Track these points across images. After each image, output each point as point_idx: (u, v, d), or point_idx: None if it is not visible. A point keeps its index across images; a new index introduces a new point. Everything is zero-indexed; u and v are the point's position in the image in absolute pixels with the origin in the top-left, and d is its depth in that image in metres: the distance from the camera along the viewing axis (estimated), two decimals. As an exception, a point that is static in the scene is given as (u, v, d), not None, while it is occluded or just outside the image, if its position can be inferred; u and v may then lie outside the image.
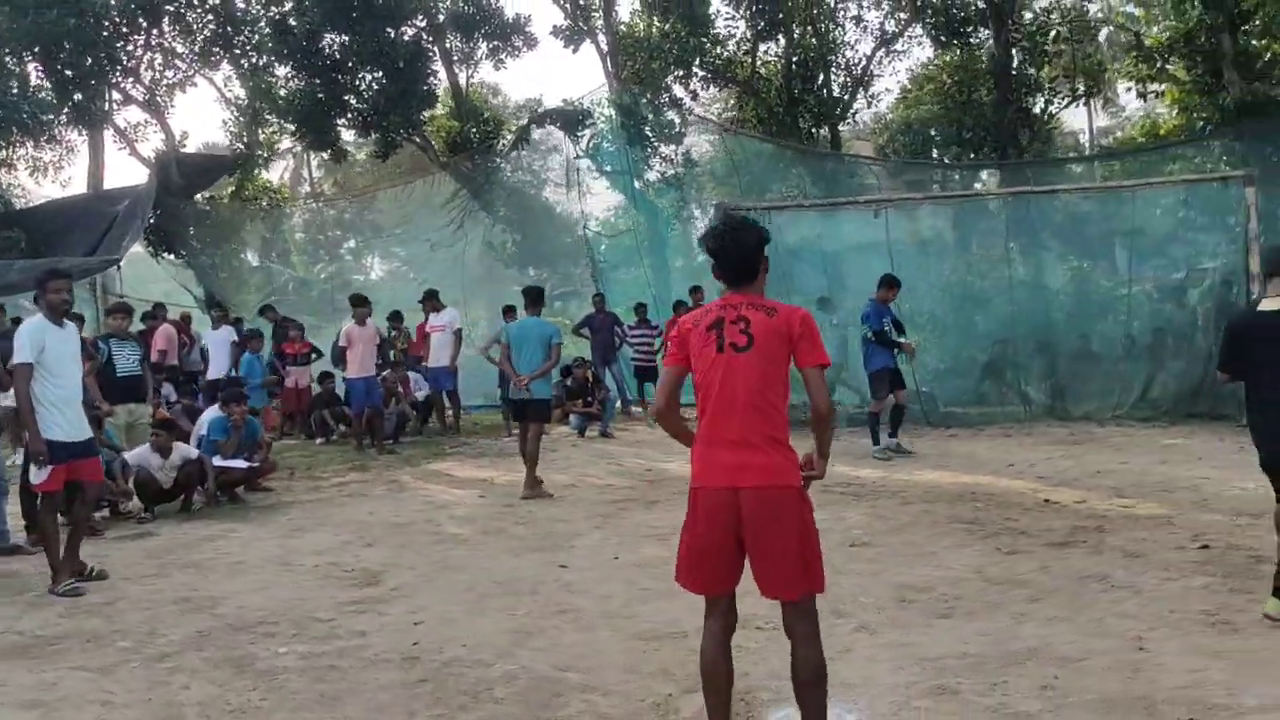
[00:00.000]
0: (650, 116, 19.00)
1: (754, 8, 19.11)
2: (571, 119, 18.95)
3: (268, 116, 20.73)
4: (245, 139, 21.17)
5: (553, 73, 74.91)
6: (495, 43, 20.04)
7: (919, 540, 7.61)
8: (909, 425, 14.79)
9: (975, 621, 5.65)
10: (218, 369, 15.39)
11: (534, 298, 10.77)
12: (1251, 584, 6.09)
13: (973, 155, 18.98)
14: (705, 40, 19.59)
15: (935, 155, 21.71)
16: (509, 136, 20.83)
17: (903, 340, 12.37)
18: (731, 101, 21.80)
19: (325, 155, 23.18)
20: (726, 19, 20.08)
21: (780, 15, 18.98)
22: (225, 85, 21.54)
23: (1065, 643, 5.19)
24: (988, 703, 4.50)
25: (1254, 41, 17.80)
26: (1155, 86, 20.82)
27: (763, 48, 20.37)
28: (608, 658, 5.24)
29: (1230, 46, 16.57)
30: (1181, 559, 6.77)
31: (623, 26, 20.88)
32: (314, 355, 15.94)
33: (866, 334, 12.20)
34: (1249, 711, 4.26)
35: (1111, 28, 21.52)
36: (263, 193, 23.21)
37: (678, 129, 19.14)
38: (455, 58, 20.70)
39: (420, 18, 19.47)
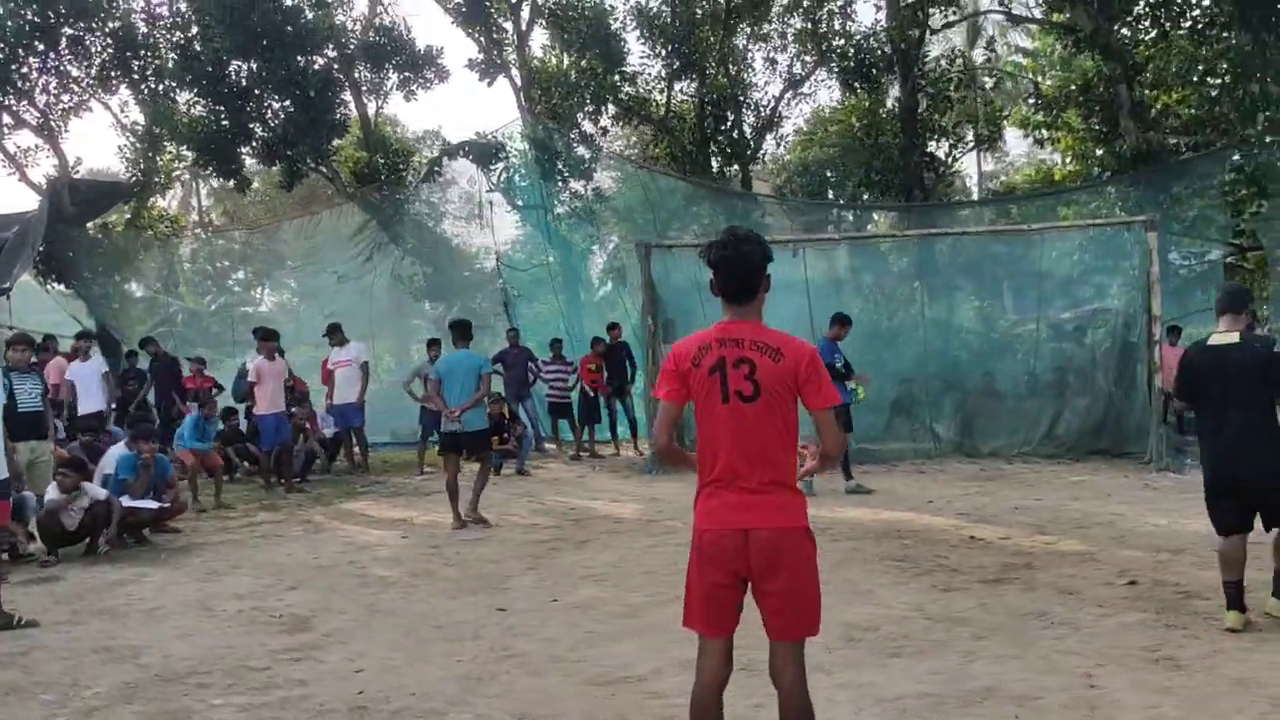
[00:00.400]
0: (563, 151, 18.98)
1: (669, 47, 19.30)
2: (485, 152, 18.82)
3: (167, 143, 20.09)
4: (142, 166, 20.46)
5: (467, 106, 74.93)
6: (406, 74, 19.81)
7: (855, 578, 7.63)
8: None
9: (926, 660, 5.66)
10: (91, 403, 14.41)
11: (462, 331, 10.85)
12: (1185, 619, 6.25)
13: (880, 196, 19.41)
14: (620, 78, 19.70)
15: (831, 196, 22.18)
16: (418, 168, 20.56)
17: (856, 375, 12.36)
18: (646, 139, 21.93)
19: (228, 183, 22.53)
20: (641, 57, 20.31)
21: (695, 56, 19.20)
22: (122, 111, 20.86)
23: (1017, 680, 5.24)
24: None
25: (1148, 92, 18.62)
26: (1050, 134, 21.66)
27: (677, 86, 20.57)
28: (564, 704, 5.10)
29: (1127, 97, 17.32)
30: (1113, 595, 6.92)
31: (536, 61, 20.88)
32: (216, 390, 15.44)
33: (837, 371, 12.12)
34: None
35: (1003, 77, 22.24)
36: (158, 221, 22.47)
37: (589, 164, 19.14)
38: (364, 88, 20.40)
39: (331, 47, 19.14)
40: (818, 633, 3.81)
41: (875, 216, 21.70)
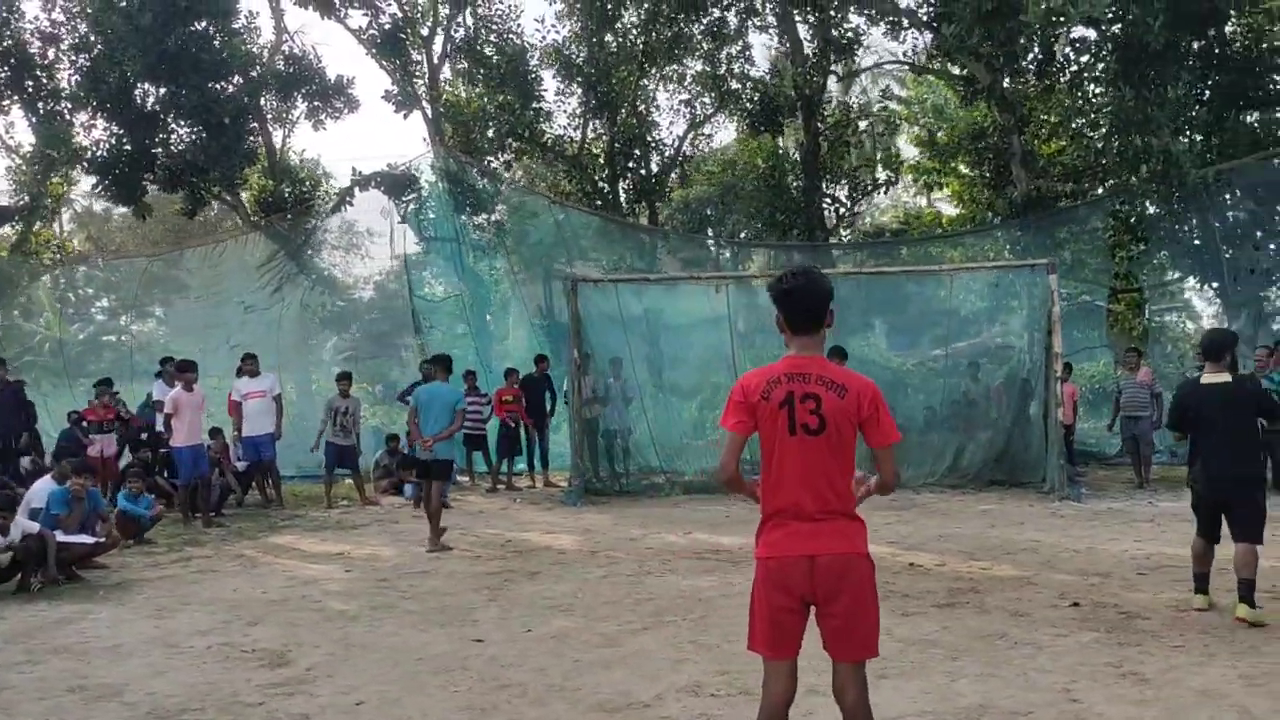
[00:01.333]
0: (476, 185, 19.03)
1: (585, 86, 19.56)
2: (397, 183, 18.72)
3: (61, 167, 19.39)
4: (31, 189, 19.69)
5: (383, 137, 74.17)
6: (315, 103, 19.59)
7: (816, 604, 7.89)
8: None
9: (913, 681, 5.94)
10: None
11: (444, 365, 11.57)
12: (1134, 637, 6.69)
13: (782, 236, 19.98)
14: (536, 115, 19.88)
15: (710, 233, 22.72)
16: (325, 198, 20.30)
17: None
18: (559, 175, 22.12)
19: (115, 208, 21.84)
20: (556, 95, 20.54)
21: (611, 95, 19.51)
22: (7, 132, 20.09)
23: (1004, 697, 5.55)
24: (969, 756, 4.75)
25: (1036, 141, 19.69)
26: (939, 179, 22.69)
27: (592, 125, 20.83)
28: (580, 731, 5.20)
29: (1019, 146, 18.29)
30: (1061, 616, 7.34)
31: (448, 95, 20.88)
32: (118, 422, 14.95)
33: None
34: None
35: (899, 124, 23.23)
36: (45, 246, 21.62)
37: (501, 198, 19.24)
38: (269, 116, 20.07)
39: (243, 74, 18.76)
40: (876, 654, 4.02)
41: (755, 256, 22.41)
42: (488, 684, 6.01)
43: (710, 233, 22.39)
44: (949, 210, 23.68)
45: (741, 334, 16.21)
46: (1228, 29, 18.91)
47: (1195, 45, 17.86)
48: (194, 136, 18.35)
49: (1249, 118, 18.92)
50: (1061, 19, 13.92)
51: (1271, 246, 19.04)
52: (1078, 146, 18.99)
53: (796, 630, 3.89)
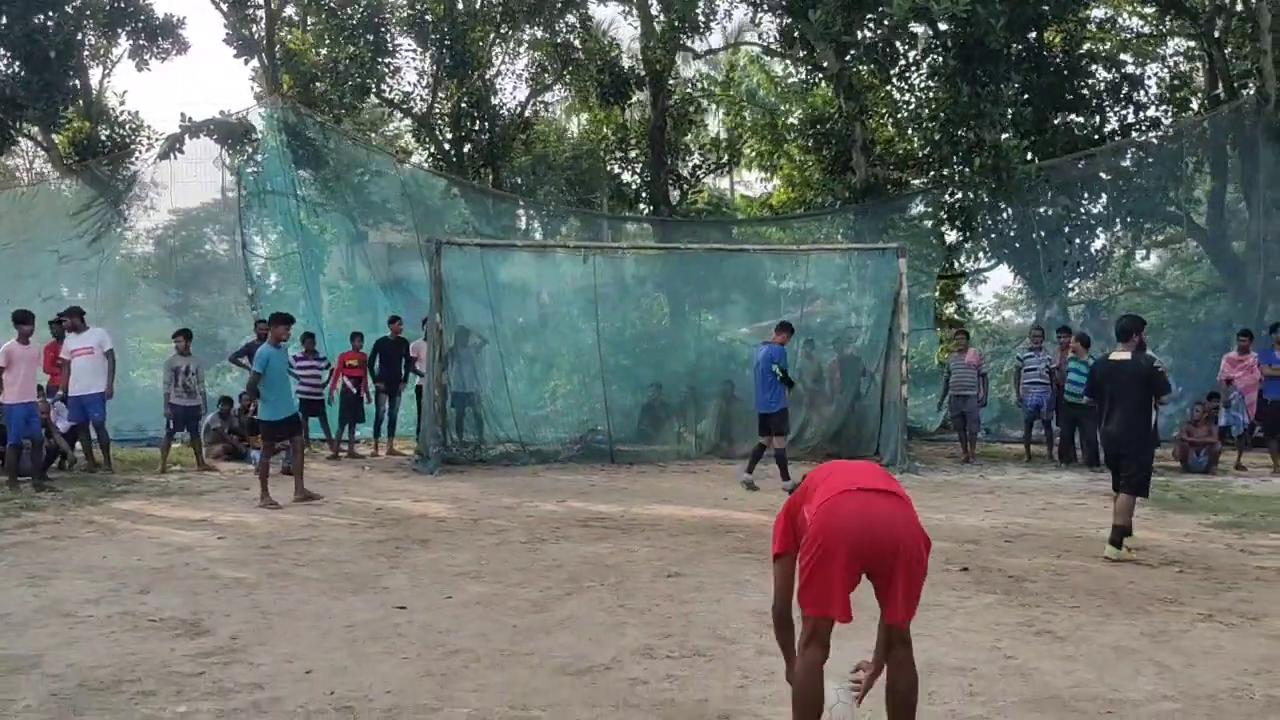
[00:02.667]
0: (315, 139, 18.24)
1: (439, 45, 19.01)
2: (232, 132, 17.71)
3: None
4: None
5: (227, 86, 69.48)
6: (141, 41, 18.27)
7: (725, 570, 8.08)
8: (594, 462, 15.50)
9: (855, 640, 6.15)
10: None
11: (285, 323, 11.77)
12: (1031, 599, 7.17)
13: (629, 209, 20.12)
14: (385, 68, 19.20)
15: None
16: (149, 143, 18.97)
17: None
18: (406, 135, 21.45)
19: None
20: (409, 51, 19.88)
21: (466, 57, 19.03)
22: None
23: (947, 655, 5.84)
24: (942, 710, 5.01)
25: (876, 130, 20.50)
26: (774, 162, 23.33)
27: (445, 85, 20.24)
28: (555, 695, 5.15)
29: (860, 133, 19.01)
30: (957, 581, 7.77)
31: (292, 42, 19.87)
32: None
33: (777, 374, 12.62)
34: (1144, 702, 5.10)
35: (744, 104, 23.70)
36: None
37: (343, 154, 18.52)
38: (87, 53, 18.59)
39: (70, 7, 17.25)
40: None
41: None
42: (435, 650, 5.88)
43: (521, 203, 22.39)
44: (752, 191, 24.28)
45: (606, 303, 16.28)
46: (1047, 35, 20.24)
47: (1020, 48, 19.00)
48: (13, 70, 16.75)
49: (1065, 119, 20.31)
50: (924, 13, 14.54)
51: (1077, 241, 20.59)
52: (915, 137, 19.91)
53: (849, 589, 4.06)
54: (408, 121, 21.10)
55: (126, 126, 18.18)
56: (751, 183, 23.96)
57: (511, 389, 15.91)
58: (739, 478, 13.09)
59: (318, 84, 18.85)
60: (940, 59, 17.53)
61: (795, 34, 19.00)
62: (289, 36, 19.80)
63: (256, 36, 18.96)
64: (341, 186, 18.19)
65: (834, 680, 4.69)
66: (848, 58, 18.03)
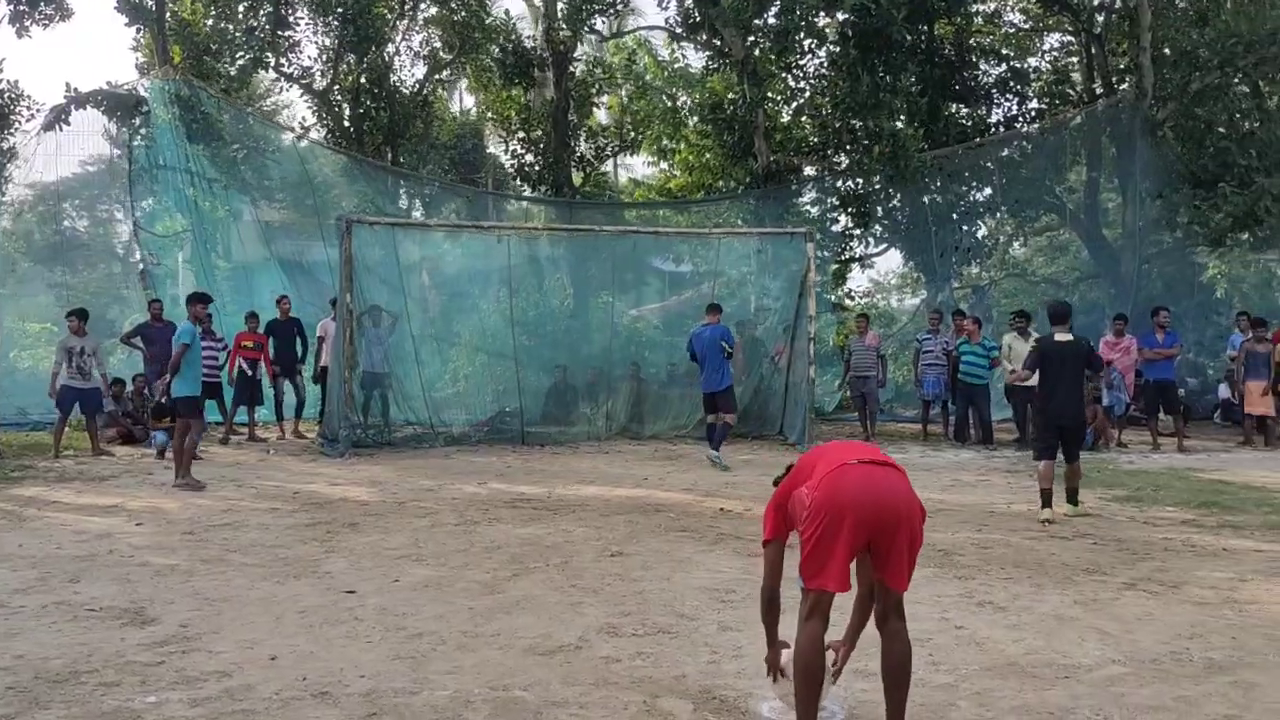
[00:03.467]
0: (212, 113, 17.62)
1: (341, 19, 18.51)
2: (122, 104, 16.96)
3: None
4: None
5: (98, 59, 65.80)
6: (21, 6, 17.30)
7: (664, 548, 8.18)
8: (504, 444, 15.45)
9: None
10: None
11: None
12: (965, 571, 7.47)
13: (532, 189, 20.02)
14: (283, 42, 18.60)
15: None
16: (33, 115, 17.99)
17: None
18: (306, 110, 20.87)
19: None
20: (307, 24, 19.28)
21: (370, 31, 18.59)
22: None
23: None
24: (912, 680, 5.18)
25: (777, 116, 20.83)
26: (672, 146, 23.48)
27: (346, 61, 19.73)
28: (532, 675, 5.16)
29: (762, 120, 19.28)
30: (890, 554, 8.02)
31: (185, 13, 19.07)
32: None
33: (726, 351, 13.36)
34: (1095, 666, 5.39)
35: (646, 89, 23.76)
36: None
37: (235, 128, 17.93)
38: (-42, 15, 17.53)
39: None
40: None
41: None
42: (396, 634, 5.83)
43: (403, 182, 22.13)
44: (636, 174, 24.36)
45: (513, 284, 16.18)
46: (938, 28, 20.85)
47: (914, 40, 19.53)
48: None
49: (955, 110, 20.96)
50: (836, 1, 14.82)
51: (965, 228, 21.32)
52: (815, 124, 20.29)
53: (851, 562, 4.19)
54: (301, 96, 20.51)
55: (5, 96, 17.25)
56: (634, 165, 23.89)
57: (420, 370, 15.72)
58: (710, 458, 13.27)
59: (208, 56, 18.17)
60: (839, 49, 17.88)
61: (696, 18, 19.14)
62: (180, 5, 19.02)
63: (147, 3, 18.16)
64: (237, 162, 17.62)
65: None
66: (752, 43, 18.25)
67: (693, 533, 8.85)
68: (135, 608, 6.29)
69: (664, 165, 24.37)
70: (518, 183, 20.67)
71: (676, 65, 24.83)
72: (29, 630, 5.79)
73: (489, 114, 24.52)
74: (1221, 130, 19.16)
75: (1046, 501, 9.37)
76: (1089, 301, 21.79)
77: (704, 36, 19.26)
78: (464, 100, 31.55)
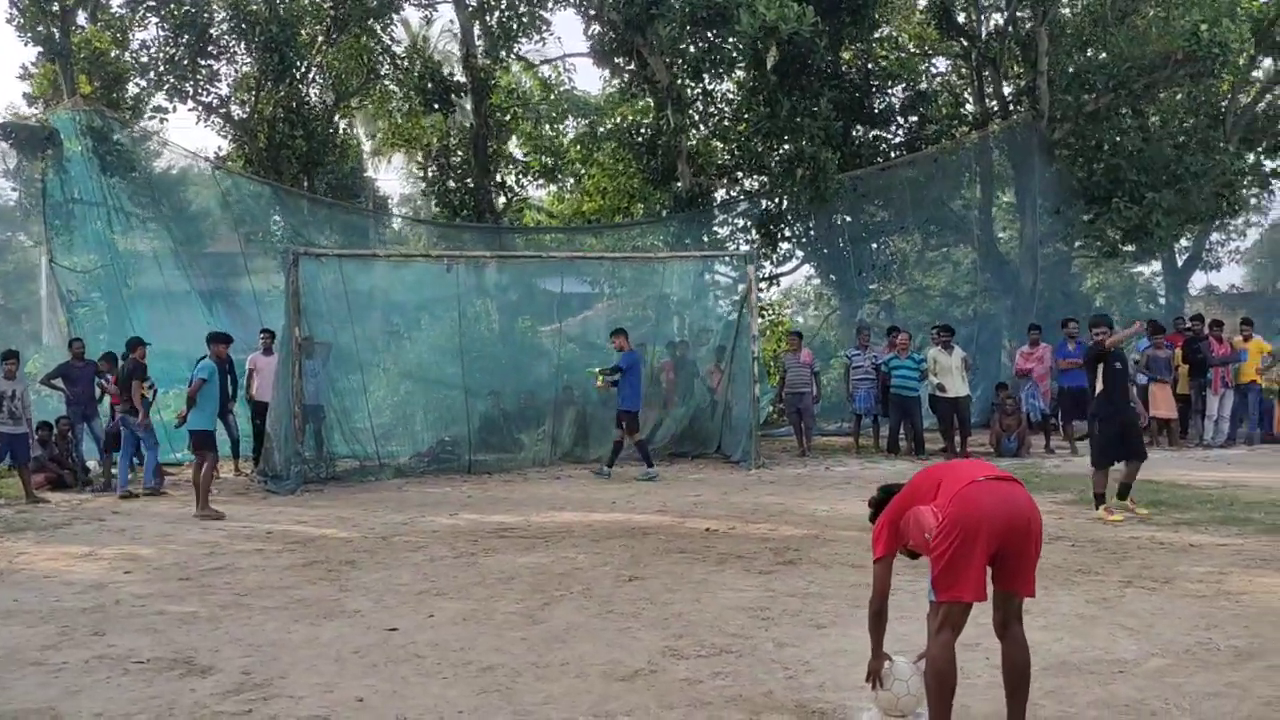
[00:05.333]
0: (125, 145, 17.09)
1: (263, 47, 18.15)
2: (32, 136, 16.31)
3: None
4: None
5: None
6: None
7: (676, 571, 8.35)
8: (449, 474, 15.38)
9: (848, 628, 6.60)
10: None
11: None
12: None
13: (452, 216, 19.97)
14: (209, 67, 18.14)
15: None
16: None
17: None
18: (225, 140, 20.33)
19: None
20: (226, 50, 18.80)
21: (297, 60, 18.30)
22: None
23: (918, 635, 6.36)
24: (982, 682, 5.49)
25: (697, 141, 21.26)
26: (585, 170, 23.72)
27: (266, 88, 19.34)
28: (626, 700, 5.28)
29: (685, 145, 19.66)
30: (898, 565, 8.32)
31: (96, 40, 18.39)
32: None
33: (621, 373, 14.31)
34: (1140, 660, 5.79)
35: (567, 112, 23.93)
36: None
37: (155, 160, 17.44)
38: None
39: None
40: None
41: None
42: (466, 668, 5.87)
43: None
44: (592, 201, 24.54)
45: (442, 311, 16.13)
46: (845, 53, 21.62)
47: (827, 64, 20.22)
48: None
49: (865, 133, 21.74)
50: (772, 31, 15.28)
51: (873, 245, 22.09)
52: (736, 148, 20.76)
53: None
54: (220, 129, 20.02)
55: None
56: (526, 186, 23.87)
57: (357, 402, 15.53)
58: (601, 473, 14.31)
59: (119, 87, 17.63)
60: (758, 74, 18.39)
61: (614, 45, 19.42)
62: (91, 34, 18.39)
63: (53, 33, 17.51)
64: (155, 194, 17.13)
65: (903, 657, 5.12)
66: (677, 69, 18.64)
67: (692, 554, 9.04)
68: (182, 658, 6.18)
69: (545, 188, 24.57)
70: (436, 207, 20.61)
71: (576, 91, 25.13)
72: (88, 688, 5.64)
73: (393, 140, 24.41)
74: (1110, 149, 20.34)
75: (1098, 502, 10.47)
76: (984, 314, 22.73)
77: (629, 64, 19.54)
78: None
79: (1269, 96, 24.95)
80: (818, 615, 6.92)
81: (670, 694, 5.37)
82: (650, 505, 12.00)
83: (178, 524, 11.33)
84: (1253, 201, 29.43)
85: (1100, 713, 5.01)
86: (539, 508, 11.99)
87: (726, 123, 20.87)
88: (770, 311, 24.46)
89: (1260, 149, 25.26)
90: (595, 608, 7.19)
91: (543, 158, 22.53)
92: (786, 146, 18.14)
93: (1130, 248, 22.61)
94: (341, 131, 22.93)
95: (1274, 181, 26.32)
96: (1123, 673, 5.57)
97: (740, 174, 21.11)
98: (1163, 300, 29.38)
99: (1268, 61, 24.72)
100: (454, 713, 5.15)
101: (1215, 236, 31.82)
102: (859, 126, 21.65)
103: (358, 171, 25.32)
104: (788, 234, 19.96)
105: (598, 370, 14.99)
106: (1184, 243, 26.74)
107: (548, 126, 23.23)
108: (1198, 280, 34.04)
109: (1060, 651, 5.95)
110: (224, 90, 19.43)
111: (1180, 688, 5.32)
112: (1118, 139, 20.73)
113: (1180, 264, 27.96)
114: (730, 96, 20.89)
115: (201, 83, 18.70)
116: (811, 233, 21.23)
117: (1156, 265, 29.91)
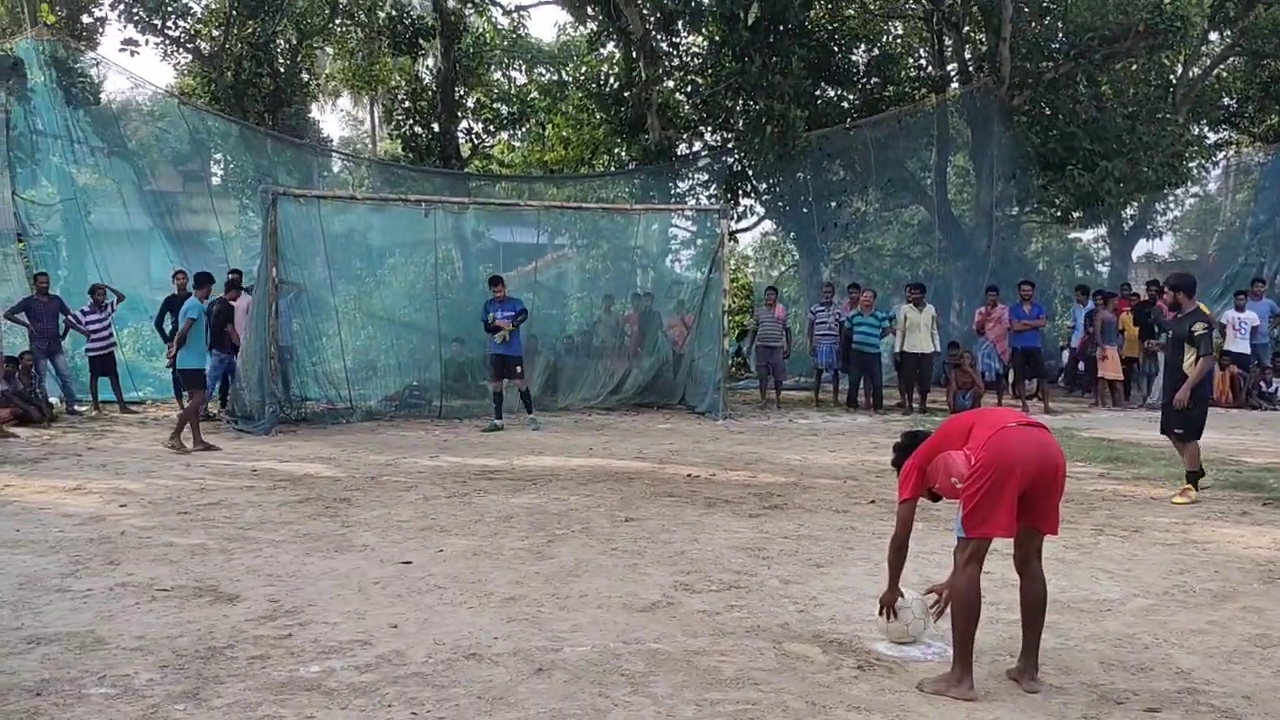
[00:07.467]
0: (89, 75, 16.76)
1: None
2: (0, 65, 15.91)
3: None
4: None
5: None
6: None
7: (668, 513, 8.62)
8: (419, 419, 15.49)
9: (849, 566, 6.93)
10: None
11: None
12: (945, 525, 8.18)
13: (419, 161, 19.88)
14: (171, 3, 17.77)
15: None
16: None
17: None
18: (191, 75, 19.89)
19: None
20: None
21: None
22: None
23: (936, 575, 6.71)
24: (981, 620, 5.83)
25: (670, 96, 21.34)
26: (550, 119, 23.67)
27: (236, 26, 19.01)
28: (652, 629, 5.52)
29: (655, 98, 19.74)
30: (876, 512, 8.71)
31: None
32: None
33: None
34: (1124, 599, 6.19)
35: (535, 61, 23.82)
36: None
37: (111, 91, 17.14)
38: None
39: None
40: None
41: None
42: (489, 599, 6.07)
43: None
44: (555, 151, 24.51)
45: (414, 256, 16.15)
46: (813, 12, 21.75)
47: (796, 23, 20.37)
48: None
49: (833, 92, 21.98)
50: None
51: (834, 204, 22.39)
52: (695, 102, 20.87)
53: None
54: (186, 61, 19.60)
55: None
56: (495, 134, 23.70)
57: (328, 344, 15.55)
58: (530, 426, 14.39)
59: (86, 16, 17.25)
60: (729, 29, 18.50)
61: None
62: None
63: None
64: (121, 129, 16.84)
65: (911, 590, 5.45)
66: (649, 22, 18.68)
67: (681, 498, 9.32)
68: (206, 586, 6.32)
69: (525, 138, 24.50)
70: (404, 153, 20.50)
71: (530, 39, 25.00)
72: (120, 613, 5.77)
73: (354, 82, 24.15)
74: (1065, 117, 20.81)
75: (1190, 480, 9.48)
76: (937, 276, 23.21)
77: (599, 15, 19.49)
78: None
79: (1219, 70, 25.63)
80: (814, 555, 7.24)
81: (692, 624, 5.64)
82: (626, 452, 12.25)
83: (156, 460, 11.37)
84: (1195, 173, 30.28)
85: (1098, 645, 5.39)
86: (517, 452, 12.18)
87: (694, 77, 20.95)
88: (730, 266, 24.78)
89: (1204, 121, 26.02)
90: (599, 545, 7.44)
91: (500, 106, 22.40)
92: (755, 104, 18.29)
93: (1080, 214, 23.19)
94: (304, 72, 22.65)
95: (1218, 153, 27.08)
96: (1110, 611, 5.97)
97: (705, 129, 21.23)
98: (1101, 268, 30.16)
99: (1215, 35, 25.38)
100: (489, 639, 5.36)
101: (1157, 206, 32.69)
102: (824, 86, 21.87)
103: (302, 112, 25.05)
104: (749, 190, 20.16)
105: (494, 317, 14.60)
106: (1129, 211, 27.48)
107: (517, 75, 23.14)
108: (1140, 248, 34.89)
109: (1049, 591, 6.30)
110: (191, 25, 19.05)
111: (1166, 624, 5.72)
112: (1073, 107, 21.20)
113: (1126, 231, 28.67)
114: (697, 50, 20.98)
115: (172, 15, 18.34)
116: (777, 189, 21.47)
117: (1097, 232, 30.65)
